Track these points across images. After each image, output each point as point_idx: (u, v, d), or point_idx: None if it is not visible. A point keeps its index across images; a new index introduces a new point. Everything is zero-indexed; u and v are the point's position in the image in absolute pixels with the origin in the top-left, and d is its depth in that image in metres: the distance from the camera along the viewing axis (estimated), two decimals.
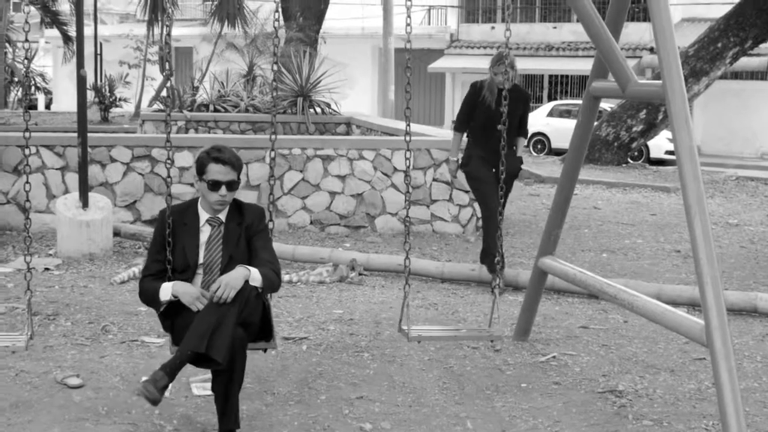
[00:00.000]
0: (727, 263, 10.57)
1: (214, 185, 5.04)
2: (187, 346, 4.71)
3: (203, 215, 5.16)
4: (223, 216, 5.16)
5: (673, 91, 4.94)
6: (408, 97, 5.80)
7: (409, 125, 5.93)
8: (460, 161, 9.07)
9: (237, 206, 5.21)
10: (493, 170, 8.69)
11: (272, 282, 5.03)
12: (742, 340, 7.30)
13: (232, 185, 5.06)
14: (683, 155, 4.83)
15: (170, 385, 5.41)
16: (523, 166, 9.55)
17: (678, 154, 4.87)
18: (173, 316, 5.01)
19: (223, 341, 4.66)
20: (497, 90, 8.57)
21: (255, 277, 4.90)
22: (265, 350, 5.36)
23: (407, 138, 5.86)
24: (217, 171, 5.04)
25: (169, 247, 5.10)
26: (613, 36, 5.92)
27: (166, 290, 4.97)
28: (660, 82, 5.11)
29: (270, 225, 5.35)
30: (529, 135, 9.61)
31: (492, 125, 8.48)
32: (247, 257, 5.10)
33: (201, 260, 5.10)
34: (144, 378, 5.00)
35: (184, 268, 5.10)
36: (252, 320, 4.93)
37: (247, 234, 5.13)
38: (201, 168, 5.09)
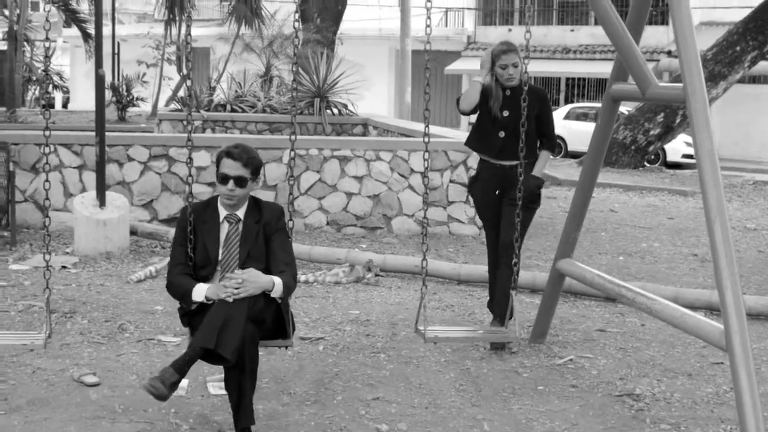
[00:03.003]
0: (745, 268, 10.52)
1: (223, 179, 5.09)
2: (196, 342, 4.76)
3: (222, 212, 5.18)
4: (241, 213, 5.18)
5: (694, 93, 4.92)
6: (427, 99, 5.78)
7: (428, 126, 5.91)
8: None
9: (255, 204, 5.24)
10: (502, 194, 7.05)
11: (290, 289, 5.09)
12: (760, 345, 7.26)
13: (240, 181, 5.08)
14: (704, 158, 4.80)
15: (186, 381, 5.42)
16: (543, 189, 7.60)
17: (698, 157, 4.84)
18: (192, 312, 5.06)
19: (231, 338, 4.69)
20: (502, 93, 6.98)
21: (278, 289, 4.96)
22: (286, 347, 5.36)
23: (426, 139, 5.84)
24: (227, 165, 5.09)
25: (191, 244, 5.14)
26: (633, 39, 5.90)
27: (200, 292, 4.99)
28: (680, 84, 5.09)
29: (290, 224, 5.37)
30: (555, 147, 7.46)
31: (497, 135, 7.03)
32: (265, 255, 5.12)
33: (220, 257, 5.13)
34: (152, 374, 5.02)
35: (204, 263, 5.14)
36: (263, 317, 4.96)
37: (266, 232, 5.16)
38: (217, 162, 5.14)
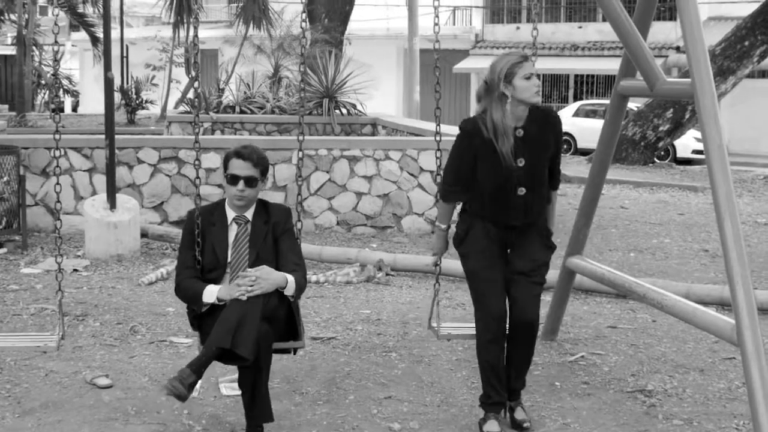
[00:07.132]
0: (756, 262, 10.49)
1: (233, 179, 5.09)
2: (212, 342, 4.74)
3: (230, 214, 5.19)
4: (249, 215, 5.19)
5: (703, 88, 4.91)
6: (437, 97, 5.78)
7: (439, 125, 5.92)
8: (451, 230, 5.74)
9: (263, 205, 5.25)
10: (507, 251, 5.35)
11: (301, 288, 5.11)
12: None
13: (250, 181, 5.08)
14: (712, 153, 4.79)
15: (199, 383, 5.43)
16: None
17: (707, 152, 4.83)
18: (202, 314, 5.06)
19: (247, 337, 4.68)
20: (513, 131, 5.02)
21: (290, 287, 4.97)
22: (294, 351, 5.36)
23: (438, 138, 5.85)
24: (236, 166, 5.09)
25: (198, 247, 5.14)
26: (641, 35, 5.89)
27: (210, 294, 4.99)
28: (689, 80, 5.08)
29: (298, 225, 5.39)
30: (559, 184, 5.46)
31: (511, 188, 5.08)
32: (274, 256, 5.13)
33: (229, 259, 5.13)
34: (171, 375, 5.03)
35: (213, 266, 5.14)
36: (276, 316, 4.96)
37: (274, 233, 5.17)
38: (225, 163, 5.15)
